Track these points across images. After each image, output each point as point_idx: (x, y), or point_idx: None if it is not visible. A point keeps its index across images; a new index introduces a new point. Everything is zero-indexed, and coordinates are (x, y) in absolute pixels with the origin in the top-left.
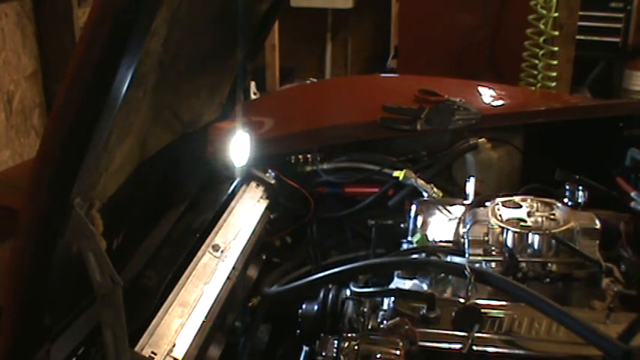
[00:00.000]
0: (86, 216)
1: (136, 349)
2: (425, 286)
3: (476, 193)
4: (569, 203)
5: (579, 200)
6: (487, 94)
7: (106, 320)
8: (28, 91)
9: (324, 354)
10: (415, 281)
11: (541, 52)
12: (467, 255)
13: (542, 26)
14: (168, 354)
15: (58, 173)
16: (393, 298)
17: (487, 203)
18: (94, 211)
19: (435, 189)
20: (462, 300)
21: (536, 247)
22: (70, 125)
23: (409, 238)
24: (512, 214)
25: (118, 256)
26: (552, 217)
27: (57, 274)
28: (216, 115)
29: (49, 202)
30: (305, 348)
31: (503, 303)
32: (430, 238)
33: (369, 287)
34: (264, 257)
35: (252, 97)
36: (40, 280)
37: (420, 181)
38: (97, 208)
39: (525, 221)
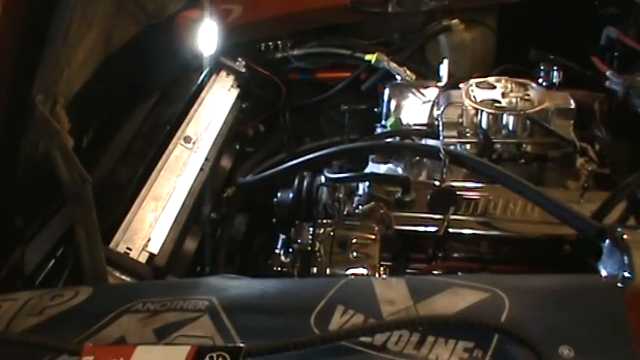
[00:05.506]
0: (50, 114)
1: (111, 245)
2: (400, 170)
3: (449, 75)
4: (544, 83)
5: (554, 80)
6: None
7: (77, 218)
8: None
9: (299, 241)
10: (390, 165)
11: None
12: (441, 137)
13: None
14: (143, 249)
15: (17, 70)
16: (367, 183)
17: (461, 85)
18: (58, 108)
19: (408, 72)
20: (437, 182)
21: (510, 127)
22: (26, 17)
23: (383, 122)
24: (487, 95)
25: (89, 154)
26: (527, 97)
27: (25, 175)
28: (181, 4)
29: (9, 101)
30: (282, 236)
31: (479, 185)
32: (404, 122)
33: (343, 173)
34: (237, 147)
35: None
36: (5, 181)
37: (393, 64)
38: (61, 105)
39: (499, 102)
